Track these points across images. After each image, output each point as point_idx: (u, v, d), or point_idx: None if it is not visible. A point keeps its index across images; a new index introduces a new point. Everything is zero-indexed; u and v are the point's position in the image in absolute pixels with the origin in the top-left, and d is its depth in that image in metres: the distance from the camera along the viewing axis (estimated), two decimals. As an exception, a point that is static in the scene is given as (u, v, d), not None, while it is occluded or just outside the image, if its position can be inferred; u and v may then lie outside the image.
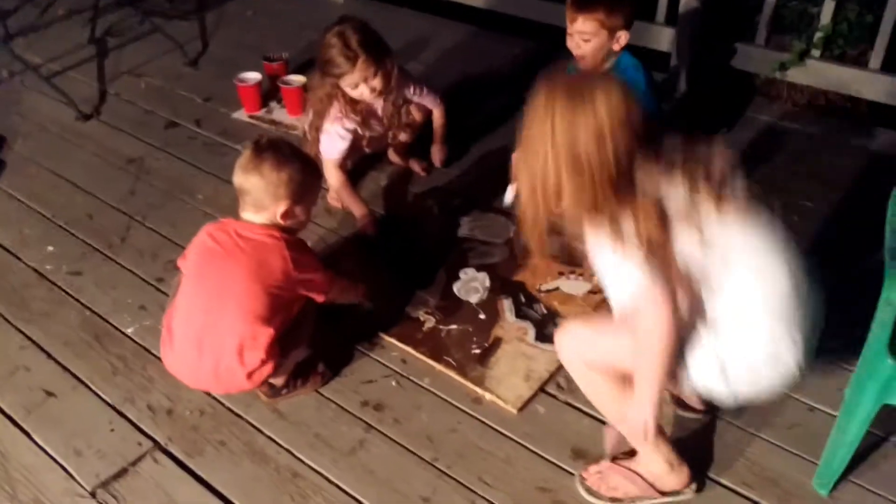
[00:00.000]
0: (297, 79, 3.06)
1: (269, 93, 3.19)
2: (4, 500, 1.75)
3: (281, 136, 2.86)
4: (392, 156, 2.78)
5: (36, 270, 2.39)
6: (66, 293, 2.30)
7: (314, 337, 1.97)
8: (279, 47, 3.36)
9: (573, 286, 2.21)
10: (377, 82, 2.32)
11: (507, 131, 2.55)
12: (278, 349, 1.76)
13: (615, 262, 1.37)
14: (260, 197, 1.77)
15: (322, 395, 1.95)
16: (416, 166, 2.73)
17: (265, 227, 1.79)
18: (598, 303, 2.16)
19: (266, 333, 1.72)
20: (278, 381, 1.90)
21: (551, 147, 1.34)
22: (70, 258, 2.43)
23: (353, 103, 2.41)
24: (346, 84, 2.32)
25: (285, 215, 1.79)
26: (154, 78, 3.44)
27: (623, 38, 2.20)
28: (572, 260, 2.18)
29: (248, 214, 1.81)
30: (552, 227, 1.42)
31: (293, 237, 1.83)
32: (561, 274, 2.26)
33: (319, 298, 1.85)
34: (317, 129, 2.47)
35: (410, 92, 2.54)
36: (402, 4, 3.94)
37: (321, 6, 3.88)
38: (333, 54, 2.26)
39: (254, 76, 3.12)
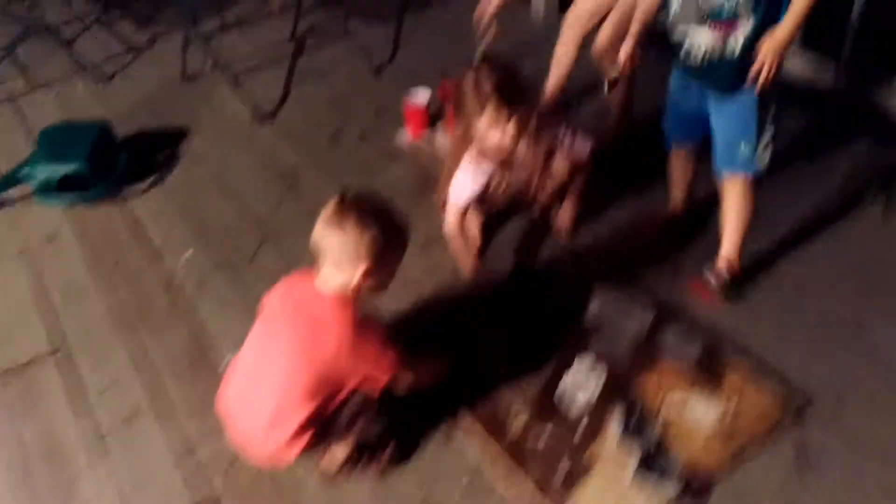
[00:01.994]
0: (465, 104, 2.87)
1: (441, 113, 3.04)
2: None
3: (372, 191, 2.70)
4: (536, 210, 2.50)
5: (168, 278, 2.46)
6: (185, 309, 2.34)
7: (389, 410, 1.80)
8: (464, 64, 3.18)
9: (703, 408, 1.84)
10: (511, 128, 2.08)
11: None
12: (316, 428, 1.62)
13: None
14: (338, 256, 1.62)
15: (383, 483, 1.78)
16: (559, 224, 2.44)
17: (335, 297, 1.63)
18: (727, 435, 1.77)
19: (298, 413, 1.59)
20: (339, 455, 1.76)
21: None
22: (202, 269, 2.47)
23: (489, 148, 2.18)
24: (479, 127, 2.11)
25: (364, 276, 1.62)
26: (335, 83, 3.43)
27: None
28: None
29: (326, 271, 1.67)
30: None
31: (363, 317, 1.65)
32: (694, 385, 1.89)
33: (375, 391, 1.68)
34: (450, 170, 2.27)
35: (560, 138, 2.25)
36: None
37: (519, 21, 3.65)
38: (466, 97, 2.07)
39: (422, 97, 2.97)
